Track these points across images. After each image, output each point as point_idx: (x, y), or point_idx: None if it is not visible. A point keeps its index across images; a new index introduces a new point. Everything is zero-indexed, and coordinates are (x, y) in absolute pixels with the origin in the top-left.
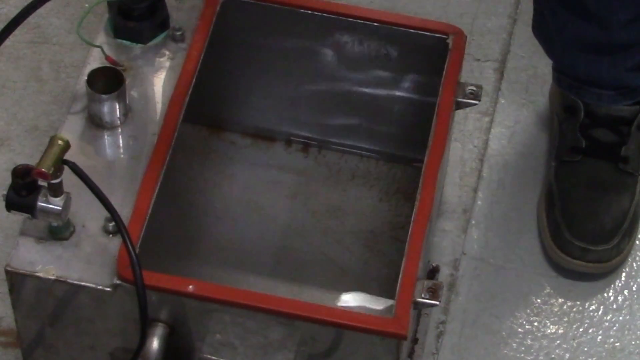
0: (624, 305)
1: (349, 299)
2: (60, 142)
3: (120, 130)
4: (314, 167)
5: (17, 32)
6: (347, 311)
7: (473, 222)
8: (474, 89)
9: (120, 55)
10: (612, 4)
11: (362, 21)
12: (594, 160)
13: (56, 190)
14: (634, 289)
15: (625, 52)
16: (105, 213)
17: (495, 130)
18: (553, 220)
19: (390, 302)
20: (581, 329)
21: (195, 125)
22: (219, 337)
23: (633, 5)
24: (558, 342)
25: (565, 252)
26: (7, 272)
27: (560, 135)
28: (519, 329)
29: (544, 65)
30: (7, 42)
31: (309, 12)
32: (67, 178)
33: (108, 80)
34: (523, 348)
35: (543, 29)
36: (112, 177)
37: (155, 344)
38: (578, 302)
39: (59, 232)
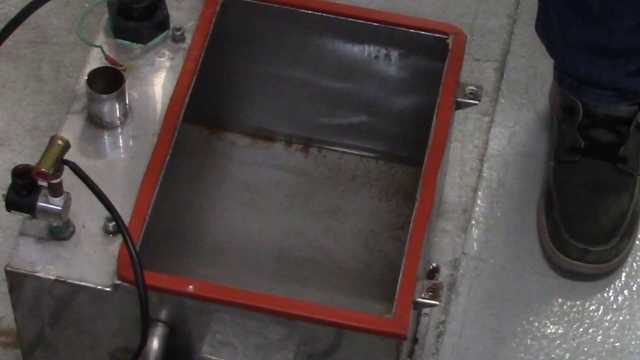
0: (624, 305)
1: (349, 299)
2: (60, 142)
3: (120, 130)
4: (314, 167)
5: (17, 32)
6: (347, 311)
7: (473, 222)
8: (474, 89)
9: (120, 55)
10: (617, 9)
11: (362, 21)
12: (592, 161)
13: (56, 190)
14: (634, 289)
15: (627, 57)
16: (105, 213)
17: (495, 130)
18: (552, 221)
19: (390, 302)
20: (581, 329)
21: (195, 125)
22: (219, 337)
23: (638, 12)
24: (558, 342)
25: (565, 253)
26: (7, 272)
27: (559, 136)
28: (519, 329)
29: (544, 65)
30: (7, 42)
31: (309, 12)
32: (67, 178)
33: (108, 80)
34: (523, 348)
35: (547, 28)
36: (112, 177)
37: (155, 343)
38: (578, 302)
39: (59, 232)
